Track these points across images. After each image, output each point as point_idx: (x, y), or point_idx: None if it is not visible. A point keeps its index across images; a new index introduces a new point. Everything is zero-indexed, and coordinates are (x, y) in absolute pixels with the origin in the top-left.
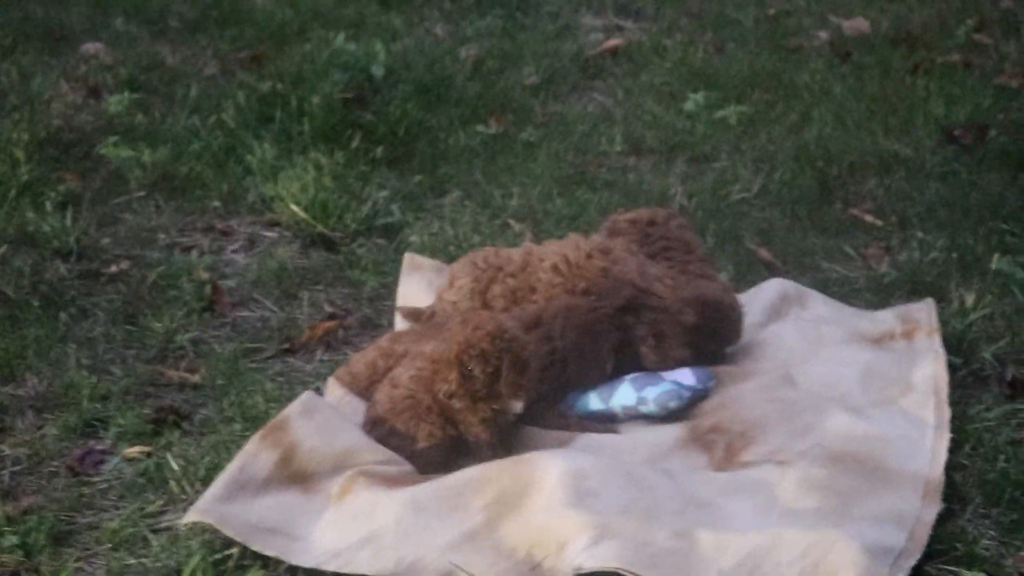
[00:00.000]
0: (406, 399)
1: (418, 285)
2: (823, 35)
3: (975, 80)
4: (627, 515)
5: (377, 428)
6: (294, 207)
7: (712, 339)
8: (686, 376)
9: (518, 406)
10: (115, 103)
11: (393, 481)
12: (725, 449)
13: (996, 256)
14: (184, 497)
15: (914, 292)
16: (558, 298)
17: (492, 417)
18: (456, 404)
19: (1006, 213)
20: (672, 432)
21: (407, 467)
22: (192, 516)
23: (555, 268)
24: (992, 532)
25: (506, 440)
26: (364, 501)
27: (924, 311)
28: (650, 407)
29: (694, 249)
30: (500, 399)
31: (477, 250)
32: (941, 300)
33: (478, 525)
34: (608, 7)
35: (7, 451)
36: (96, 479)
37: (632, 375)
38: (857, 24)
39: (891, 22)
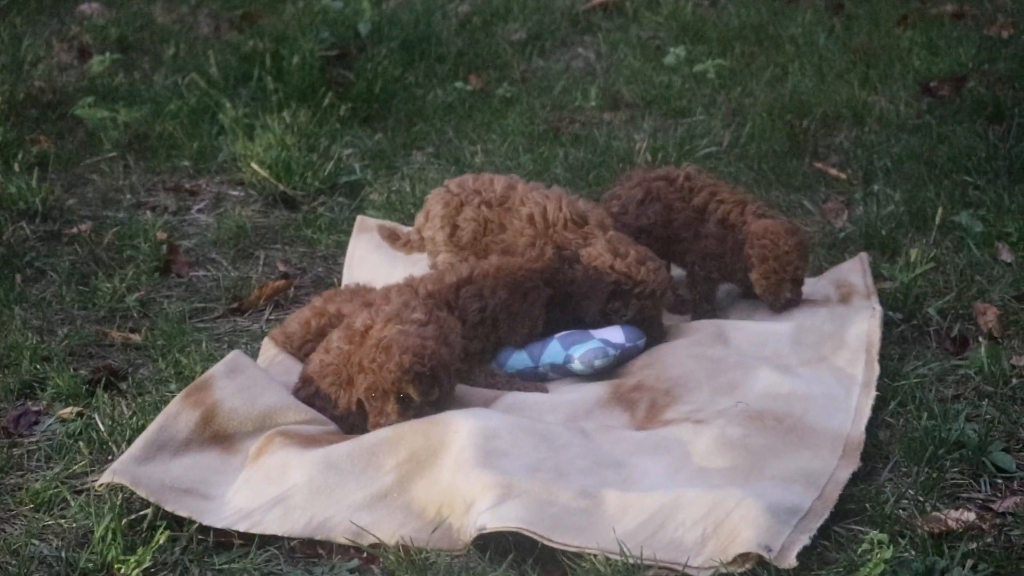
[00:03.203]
0: (330, 366)
1: (368, 246)
2: None
3: (962, 31)
4: (534, 475)
5: (306, 387)
6: (255, 166)
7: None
8: (615, 334)
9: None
10: (97, 63)
11: (310, 440)
12: (648, 408)
13: (940, 210)
14: (109, 458)
15: (868, 247)
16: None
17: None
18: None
19: (972, 166)
20: (596, 391)
21: (331, 427)
22: (106, 477)
23: (531, 219)
24: (911, 491)
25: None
26: (278, 460)
27: (858, 272)
28: (576, 365)
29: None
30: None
31: (453, 178)
32: (894, 254)
33: (389, 484)
34: None
35: None
36: (28, 440)
37: (562, 333)
38: None
39: None
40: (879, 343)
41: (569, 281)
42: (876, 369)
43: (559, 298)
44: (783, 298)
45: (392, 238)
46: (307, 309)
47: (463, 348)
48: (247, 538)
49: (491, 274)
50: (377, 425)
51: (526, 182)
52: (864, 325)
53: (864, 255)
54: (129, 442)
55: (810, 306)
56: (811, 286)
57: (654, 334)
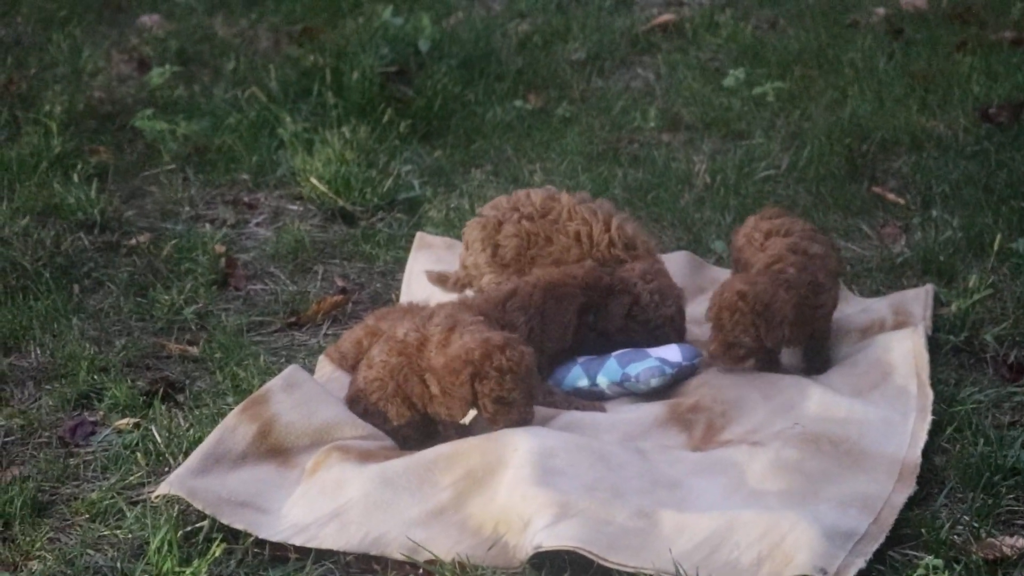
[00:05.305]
0: (375, 381)
1: (426, 262)
2: (880, 11)
3: (1021, 58)
4: (591, 494)
5: (356, 405)
6: (315, 181)
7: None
8: (672, 352)
9: None
10: (156, 75)
11: (367, 455)
12: (705, 428)
13: (998, 236)
14: (166, 469)
15: (926, 272)
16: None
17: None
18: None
19: None
20: (653, 410)
21: (387, 442)
22: (163, 489)
23: (577, 237)
24: (966, 517)
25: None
26: (334, 475)
27: (920, 302)
28: (633, 384)
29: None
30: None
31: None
32: (951, 280)
33: (445, 501)
34: None
35: (2, 421)
36: (84, 450)
37: (619, 351)
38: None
39: None
40: (928, 366)
41: (599, 297)
42: (930, 393)
43: (592, 308)
44: (727, 361)
45: (441, 281)
46: (359, 328)
47: None
48: (303, 552)
49: (532, 284)
50: (511, 424)
51: (569, 194)
52: (908, 342)
53: (931, 287)
54: (186, 454)
55: (864, 330)
56: (869, 305)
57: None
